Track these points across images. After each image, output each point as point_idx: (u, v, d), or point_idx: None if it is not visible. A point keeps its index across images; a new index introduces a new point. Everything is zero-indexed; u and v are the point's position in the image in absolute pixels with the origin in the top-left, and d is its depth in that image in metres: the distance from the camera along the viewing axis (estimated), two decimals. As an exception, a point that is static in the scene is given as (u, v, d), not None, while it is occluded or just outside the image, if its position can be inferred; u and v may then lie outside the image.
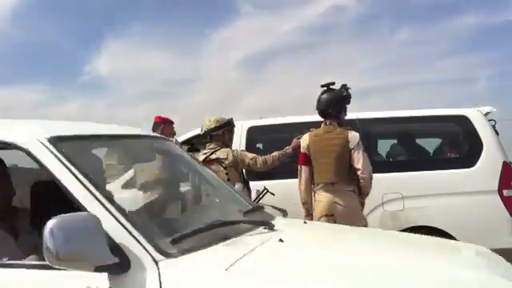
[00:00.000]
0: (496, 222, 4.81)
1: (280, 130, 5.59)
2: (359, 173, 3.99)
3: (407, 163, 5.22)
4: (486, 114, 5.25)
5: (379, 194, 4.94)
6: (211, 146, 4.54)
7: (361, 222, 4.04)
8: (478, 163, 4.91)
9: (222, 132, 4.60)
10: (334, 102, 4.22)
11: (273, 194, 4.77)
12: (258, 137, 5.57)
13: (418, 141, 5.51)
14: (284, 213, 4.46)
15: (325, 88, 4.30)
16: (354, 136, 4.08)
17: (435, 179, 4.93)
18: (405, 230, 4.88)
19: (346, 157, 4.03)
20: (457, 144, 5.32)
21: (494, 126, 5.59)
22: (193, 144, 6.02)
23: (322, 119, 4.36)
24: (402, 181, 4.97)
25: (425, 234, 4.79)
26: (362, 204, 4.18)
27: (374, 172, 5.04)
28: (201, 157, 4.51)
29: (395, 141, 5.54)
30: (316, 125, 5.45)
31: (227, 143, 4.66)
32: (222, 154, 4.45)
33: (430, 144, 5.60)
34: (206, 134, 4.60)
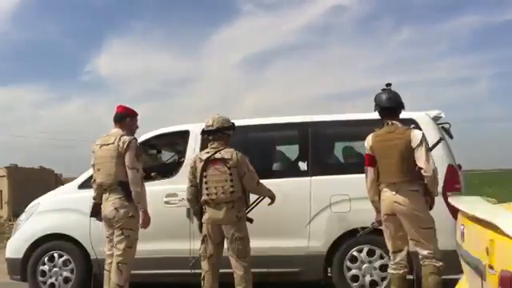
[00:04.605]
0: (439, 223, 4.84)
1: (240, 133, 5.61)
2: (422, 171, 4.01)
3: (355, 165, 5.28)
4: (438, 118, 5.34)
5: (327, 195, 5.04)
6: (214, 146, 4.50)
7: (425, 222, 4.09)
8: None
9: (230, 132, 4.59)
10: (401, 100, 4.30)
11: None
12: None
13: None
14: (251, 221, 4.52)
15: (388, 87, 4.33)
16: (416, 135, 4.08)
17: None
18: (351, 231, 4.99)
19: (410, 156, 4.03)
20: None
21: (448, 129, 5.66)
22: (154, 145, 6.08)
23: (380, 118, 4.39)
24: (349, 183, 5.06)
25: (368, 234, 4.93)
26: (428, 202, 4.17)
27: (323, 174, 5.18)
28: (203, 155, 4.49)
29: (346, 143, 5.63)
30: (278, 127, 5.56)
31: (228, 144, 4.59)
32: (226, 154, 4.42)
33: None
34: (217, 131, 4.49)
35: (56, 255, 5.42)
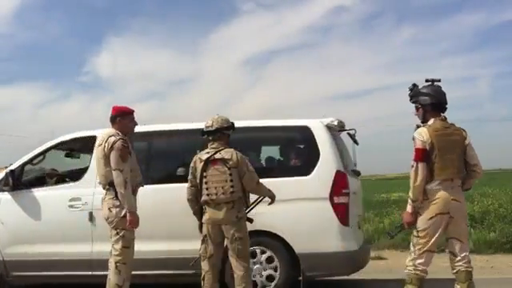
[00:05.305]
0: (326, 227, 5.09)
1: (149, 138, 5.79)
2: (476, 168, 4.10)
3: None
4: (342, 127, 5.53)
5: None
6: (214, 146, 4.52)
7: (467, 219, 4.20)
8: (314, 171, 5.20)
9: (230, 132, 4.62)
10: None
11: None
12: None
13: (263, 149, 5.77)
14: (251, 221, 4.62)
15: (435, 82, 4.25)
16: (467, 132, 4.15)
17: (273, 187, 5.15)
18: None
19: (463, 152, 4.07)
20: (298, 153, 5.58)
21: (353, 135, 5.84)
22: (71, 148, 6.22)
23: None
24: None
25: (261, 237, 5.12)
26: None
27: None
28: (203, 156, 4.49)
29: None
30: (183, 133, 5.69)
31: (228, 144, 4.62)
32: (226, 154, 4.44)
33: (275, 153, 5.83)
34: (217, 131, 4.53)
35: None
